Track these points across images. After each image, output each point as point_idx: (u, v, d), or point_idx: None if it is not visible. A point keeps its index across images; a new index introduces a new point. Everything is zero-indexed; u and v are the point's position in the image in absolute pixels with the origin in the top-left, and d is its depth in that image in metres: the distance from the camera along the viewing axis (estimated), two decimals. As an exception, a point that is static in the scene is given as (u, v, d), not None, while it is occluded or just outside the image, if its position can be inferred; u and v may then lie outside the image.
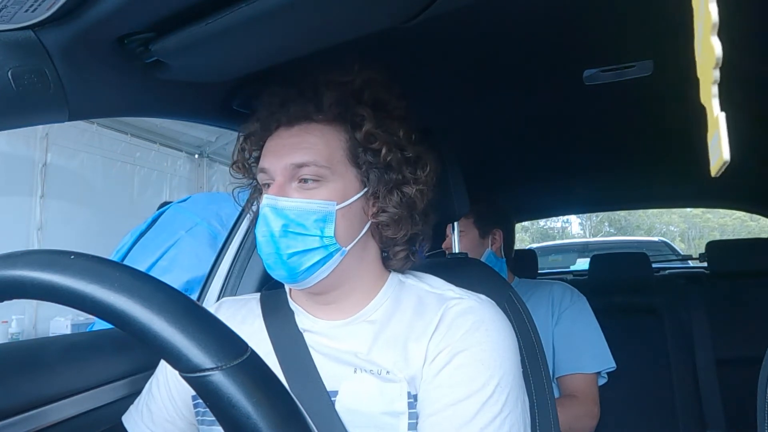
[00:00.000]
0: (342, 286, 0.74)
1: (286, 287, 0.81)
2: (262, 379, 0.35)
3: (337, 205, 0.69)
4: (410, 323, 0.71)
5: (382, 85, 0.75)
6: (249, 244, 1.25)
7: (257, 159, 0.77)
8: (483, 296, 0.74)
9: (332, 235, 0.69)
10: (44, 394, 0.76)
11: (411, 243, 0.76)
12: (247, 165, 0.79)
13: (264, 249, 0.70)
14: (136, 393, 0.92)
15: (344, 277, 0.73)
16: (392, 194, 0.71)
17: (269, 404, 0.34)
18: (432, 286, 0.76)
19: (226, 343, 0.35)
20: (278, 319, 0.77)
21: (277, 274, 0.71)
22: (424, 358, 0.67)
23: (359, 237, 0.72)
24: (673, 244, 5.77)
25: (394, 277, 0.78)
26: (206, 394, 0.34)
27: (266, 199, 0.69)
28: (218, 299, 1.22)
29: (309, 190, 0.69)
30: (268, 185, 0.72)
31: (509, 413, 0.63)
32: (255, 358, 0.36)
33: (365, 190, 0.72)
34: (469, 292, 0.75)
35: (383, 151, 0.71)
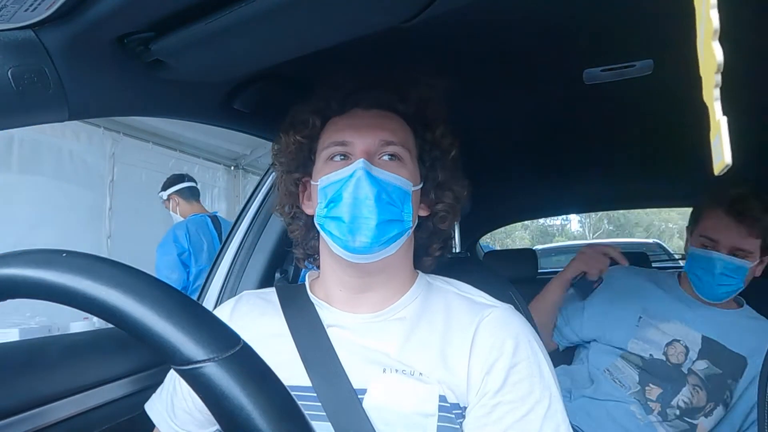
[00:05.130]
0: (384, 273, 0.75)
1: (307, 282, 0.82)
2: (256, 371, 0.35)
3: (413, 186, 0.73)
4: (444, 327, 0.72)
5: (441, 94, 0.81)
6: (249, 244, 1.25)
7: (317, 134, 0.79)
8: (505, 304, 0.75)
9: (411, 211, 0.72)
10: (44, 394, 0.76)
11: (446, 241, 0.82)
12: (314, 136, 0.80)
13: (357, 211, 0.69)
14: (136, 392, 0.92)
15: (391, 263, 0.75)
16: (445, 191, 0.79)
17: (263, 396, 0.34)
18: (460, 290, 0.78)
19: (218, 335, 0.35)
20: (299, 314, 0.77)
21: (359, 239, 0.69)
22: (467, 372, 0.68)
23: (415, 224, 0.76)
24: (665, 245, 6.09)
25: (422, 278, 0.80)
26: (199, 386, 0.34)
27: (363, 164, 0.69)
28: (218, 299, 1.22)
29: (393, 167, 0.72)
30: (343, 156, 0.73)
31: (563, 418, 0.66)
32: (248, 350, 0.36)
33: (421, 185, 0.77)
34: (493, 298, 0.76)
35: (451, 153, 0.79)
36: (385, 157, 0.73)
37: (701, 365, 1.28)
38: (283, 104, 0.87)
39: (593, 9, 0.84)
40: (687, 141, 1.48)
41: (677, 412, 1.26)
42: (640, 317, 1.37)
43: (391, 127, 0.75)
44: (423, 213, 0.78)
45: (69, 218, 3.36)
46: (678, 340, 1.31)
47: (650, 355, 1.32)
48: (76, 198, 3.43)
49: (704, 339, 1.29)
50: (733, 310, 1.35)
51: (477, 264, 1.06)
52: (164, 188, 3.07)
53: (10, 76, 0.57)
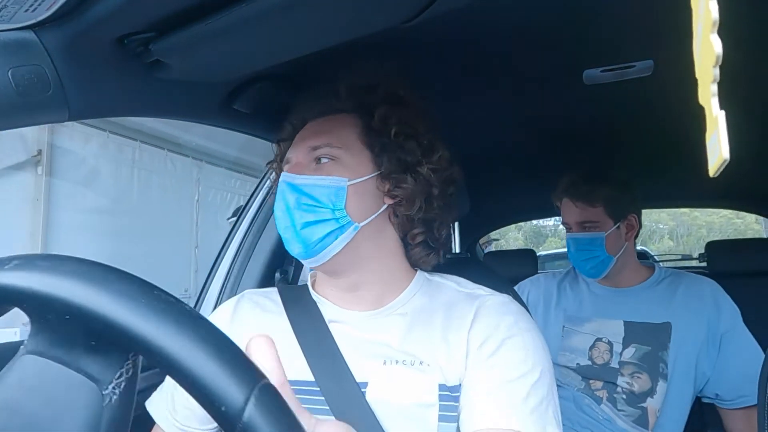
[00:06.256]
0: (361, 270, 0.75)
1: (309, 281, 0.83)
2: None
3: (348, 181, 0.72)
4: (445, 317, 0.73)
5: (395, 80, 0.80)
6: (249, 244, 1.26)
7: None
8: (504, 294, 0.77)
9: (343, 208, 0.72)
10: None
11: (428, 226, 0.78)
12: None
13: (280, 222, 0.73)
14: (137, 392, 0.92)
15: (362, 259, 0.75)
16: (406, 174, 0.75)
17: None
18: (460, 285, 0.78)
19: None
20: (301, 310, 0.78)
21: (293, 248, 0.73)
22: (466, 347, 0.69)
23: (374, 216, 0.74)
24: (649, 251, 6.43)
25: (421, 275, 0.81)
26: None
27: (283, 176, 0.74)
28: (218, 299, 1.22)
29: (324, 169, 0.73)
30: None
31: (551, 398, 0.66)
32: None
33: (378, 171, 0.75)
34: (491, 290, 0.77)
35: (395, 133, 0.75)
36: (313, 165, 0.74)
37: (630, 352, 1.32)
38: (284, 104, 0.88)
39: (593, 9, 0.84)
40: (687, 141, 1.48)
41: (624, 397, 1.30)
42: (564, 326, 1.45)
43: (325, 130, 0.76)
44: (388, 201, 0.76)
45: (166, 231, 4.23)
46: (600, 339, 1.37)
47: (577, 363, 1.38)
48: (172, 215, 4.40)
49: (626, 324, 1.35)
50: (646, 281, 1.40)
51: (477, 264, 1.06)
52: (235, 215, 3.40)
53: (10, 77, 0.57)
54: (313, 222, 0.71)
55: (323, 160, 0.74)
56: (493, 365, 0.67)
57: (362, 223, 0.73)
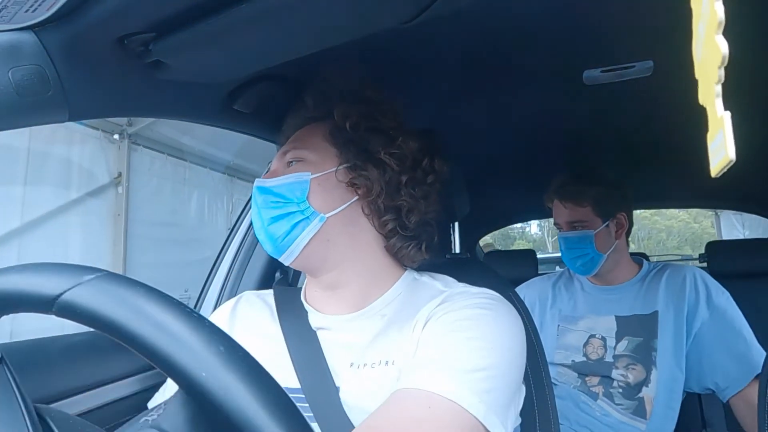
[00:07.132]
0: (340, 266, 0.76)
1: (304, 285, 0.83)
2: (127, 286, 0.35)
3: (311, 175, 0.75)
4: (419, 314, 0.71)
5: (361, 81, 0.82)
6: (248, 244, 1.25)
7: None
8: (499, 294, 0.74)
9: (305, 199, 0.74)
10: (44, 394, 0.76)
11: (397, 213, 0.77)
12: None
13: (255, 225, 0.77)
14: (136, 393, 0.92)
15: (336, 252, 0.75)
16: (367, 163, 0.76)
17: (141, 309, 0.34)
18: (446, 285, 0.77)
19: (74, 269, 0.36)
20: (292, 317, 0.79)
21: (266, 247, 0.76)
22: (425, 322, 0.67)
23: (342, 207, 0.75)
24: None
25: (408, 275, 0.80)
26: (75, 313, 0.35)
27: (255, 183, 0.78)
28: (218, 299, 1.22)
29: (291, 169, 0.77)
30: None
31: (501, 381, 0.60)
32: (112, 275, 0.36)
33: (344, 165, 0.77)
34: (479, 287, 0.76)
35: (356, 126, 0.77)
36: (289, 165, 0.78)
37: (623, 345, 1.35)
38: (284, 105, 0.88)
39: (593, 10, 0.84)
40: (687, 142, 1.48)
41: (620, 390, 1.32)
42: (559, 325, 1.48)
43: (297, 137, 0.81)
44: (355, 191, 0.76)
45: (209, 240, 4.73)
46: (593, 335, 1.40)
47: (572, 360, 1.41)
48: (212, 226, 4.93)
49: (618, 319, 1.39)
50: (634, 277, 1.44)
51: (477, 265, 1.06)
52: None
53: (10, 77, 0.57)
54: (279, 216, 0.74)
55: (292, 163, 0.77)
56: (441, 327, 0.65)
57: (329, 214, 0.74)
